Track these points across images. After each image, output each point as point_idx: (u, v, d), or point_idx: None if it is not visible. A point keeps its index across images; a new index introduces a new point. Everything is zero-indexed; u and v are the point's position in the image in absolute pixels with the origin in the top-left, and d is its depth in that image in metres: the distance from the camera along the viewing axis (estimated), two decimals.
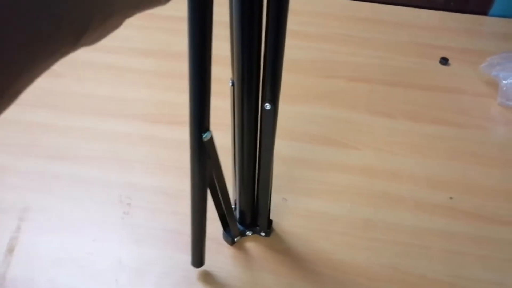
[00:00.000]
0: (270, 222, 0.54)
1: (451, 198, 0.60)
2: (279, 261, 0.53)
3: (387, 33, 0.87)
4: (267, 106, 0.37)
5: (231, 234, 0.52)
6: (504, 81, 0.72)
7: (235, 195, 0.50)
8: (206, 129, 0.34)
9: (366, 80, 0.77)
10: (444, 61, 0.81)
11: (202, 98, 0.32)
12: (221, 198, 0.45)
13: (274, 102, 0.37)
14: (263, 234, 0.54)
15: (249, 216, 0.51)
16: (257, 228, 0.53)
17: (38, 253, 0.53)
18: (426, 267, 0.53)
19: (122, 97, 0.72)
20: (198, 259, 0.48)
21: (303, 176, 0.62)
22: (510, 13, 0.93)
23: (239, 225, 0.52)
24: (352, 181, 0.61)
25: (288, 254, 0.53)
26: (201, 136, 0.34)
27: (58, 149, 0.64)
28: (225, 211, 0.47)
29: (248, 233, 0.54)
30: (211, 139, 0.36)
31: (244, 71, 0.35)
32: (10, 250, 0.53)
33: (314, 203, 0.59)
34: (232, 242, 0.53)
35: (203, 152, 0.36)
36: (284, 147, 0.65)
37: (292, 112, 0.71)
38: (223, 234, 0.53)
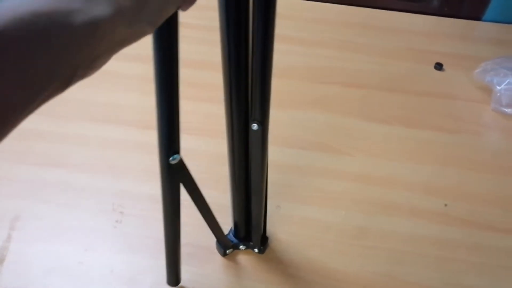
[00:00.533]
0: (265, 239, 0.53)
1: (446, 205, 0.59)
2: (271, 269, 0.52)
3: (382, 39, 0.87)
4: (254, 126, 0.36)
5: (223, 246, 0.51)
6: (497, 87, 0.72)
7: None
8: (175, 152, 0.33)
9: (361, 86, 0.76)
10: (438, 66, 0.81)
11: (169, 120, 0.32)
12: (203, 217, 0.44)
13: (263, 122, 0.36)
14: (256, 250, 0.52)
15: (243, 230, 0.50)
16: (251, 243, 0.52)
17: (29, 263, 0.52)
18: (421, 274, 0.52)
19: (115, 103, 0.71)
20: (173, 278, 0.48)
21: (297, 183, 0.62)
22: (503, 18, 0.93)
23: (233, 238, 0.52)
24: (346, 188, 0.61)
25: (281, 263, 0.53)
26: (168, 160, 0.33)
27: (50, 156, 0.63)
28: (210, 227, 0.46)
29: (242, 247, 0.52)
30: (181, 162, 0.34)
31: (232, 90, 0.34)
32: (1, 260, 0.52)
33: (308, 211, 0.58)
34: (223, 254, 0.52)
35: (172, 175, 0.35)
36: (278, 154, 0.65)
37: (287, 118, 0.70)
38: (216, 245, 0.52)
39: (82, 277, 0.51)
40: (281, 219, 0.57)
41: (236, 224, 0.50)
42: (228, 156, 0.41)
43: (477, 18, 0.95)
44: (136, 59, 0.78)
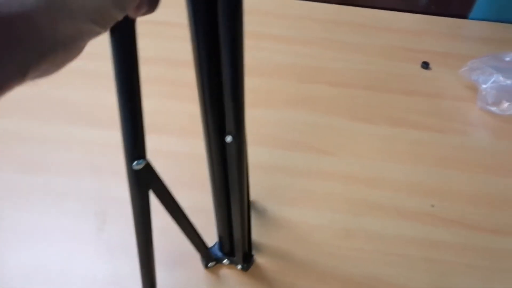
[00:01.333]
0: (249, 257, 0.51)
1: (432, 205, 0.59)
2: (257, 274, 0.51)
3: (369, 37, 0.86)
4: (228, 138, 0.34)
5: (204, 258, 0.50)
6: (483, 86, 0.72)
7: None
8: (139, 157, 0.32)
9: (347, 85, 0.76)
10: (425, 65, 0.81)
11: (131, 123, 0.30)
12: (179, 226, 0.42)
13: (238, 134, 0.34)
14: (239, 267, 0.50)
15: (228, 245, 0.49)
16: (235, 258, 0.50)
17: (9, 270, 0.51)
18: (408, 276, 0.52)
19: (98, 103, 0.70)
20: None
21: (283, 184, 0.61)
22: (489, 17, 0.93)
23: (217, 251, 0.50)
24: (333, 189, 0.60)
25: (267, 268, 0.52)
26: (131, 164, 0.32)
27: (30, 159, 0.62)
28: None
29: (226, 261, 0.51)
30: (147, 168, 0.33)
31: (206, 101, 0.33)
32: None
33: (294, 213, 0.58)
34: (205, 266, 0.50)
35: (137, 182, 0.34)
36: (263, 155, 0.64)
37: (272, 118, 0.69)
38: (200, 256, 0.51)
39: (64, 284, 0.50)
40: (267, 222, 0.57)
41: (220, 238, 0.48)
42: (208, 169, 0.39)
43: (464, 16, 0.95)
44: None
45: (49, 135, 0.65)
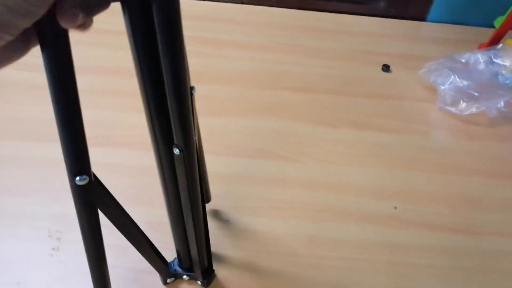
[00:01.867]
0: (209, 272, 0.49)
1: (395, 208, 0.59)
2: None
3: (330, 42, 0.86)
4: (176, 151, 0.33)
5: (162, 274, 0.48)
6: (442, 87, 0.74)
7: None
8: (81, 172, 0.30)
9: (310, 90, 0.76)
10: (386, 68, 0.82)
11: (71, 138, 0.28)
12: (131, 243, 0.40)
13: (186, 146, 0.33)
14: (199, 283, 0.49)
15: (187, 261, 0.47)
16: (194, 274, 0.48)
17: None
18: (372, 282, 0.52)
19: (49, 119, 0.67)
20: None
21: (246, 194, 0.60)
22: (446, 19, 0.96)
23: (177, 267, 0.48)
24: (296, 196, 0.60)
25: (229, 281, 0.51)
26: (74, 180, 0.30)
27: None
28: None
29: (185, 277, 0.49)
30: (91, 184, 0.31)
31: (151, 111, 0.31)
32: None
33: (258, 223, 0.57)
34: (164, 282, 0.49)
35: (81, 198, 0.32)
36: (226, 164, 0.63)
37: (235, 126, 0.68)
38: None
39: None
40: (231, 234, 0.55)
41: (178, 254, 0.47)
42: (161, 183, 0.38)
43: (422, 18, 0.97)
44: (77, 71, 0.74)
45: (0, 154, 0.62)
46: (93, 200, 0.32)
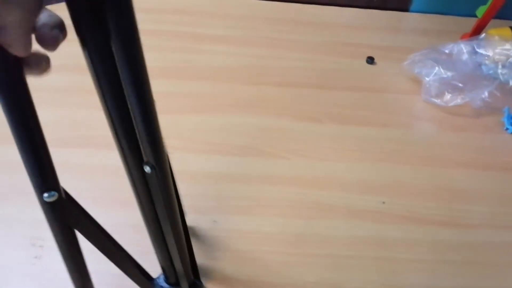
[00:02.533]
0: (197, 285, 0.48)
1: (383, 202, 0.59)
2: None
3: (313, 35, 0.85)
4: (146, 169, 0.31)
5: None
6: (426, 78, 0.73)
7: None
8: (50, 188, 0.28)
9: (293, 84, 0.74)
10: (370, 60, 0.81)
11: (36, 154, 0.27)
12: (115, 263, 0.39)
13: (157, 163, 0.30)
14: None
15: (173, 276, 0.45)
16: None
17: None
18: (362, 279, 0.51)
19: None
20: None
21: (232, 193, 0.58)
22: (429, 9, 0.95)
23: (163, 283, 0.46)
24: (283, 194, 0.59)
25: (219, 283, 0.50)
26: (42, 196, 0.28)
27: None
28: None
29: None
30: (61, 200, 0.29)
31: (117, 130, 0.29)
32: None
33: (245, 222, 0.55)
34: None
35: (53, 215, 0.30)
36: (210, 162, 0.61)
37: (217, 123, 0.67)
38: None
39: None
40: (218, 234, 0.54)
41: (163, 270, 0.45)
42: (136, 202, 0.36)
43: (405, 9, 0.96)
44: (56, 69, 0.71)
45: None
46: (66, 217, 0.31)
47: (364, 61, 0.81)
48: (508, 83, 0.74)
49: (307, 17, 0.89)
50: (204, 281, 0.50)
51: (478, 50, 0.78)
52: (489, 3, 0.80)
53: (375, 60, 0.81)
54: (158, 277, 0.47)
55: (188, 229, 0.51)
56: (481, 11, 0.81)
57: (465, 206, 0.59)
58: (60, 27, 0.22)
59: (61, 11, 0.24)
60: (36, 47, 0.23)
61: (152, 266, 0.43)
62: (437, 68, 0.73)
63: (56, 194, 0.28)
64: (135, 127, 0.28)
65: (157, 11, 0.86)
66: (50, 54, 0.24)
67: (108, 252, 0.36)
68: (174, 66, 0.75)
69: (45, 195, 0.27)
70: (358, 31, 0.87)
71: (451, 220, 0.57)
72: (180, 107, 0.68)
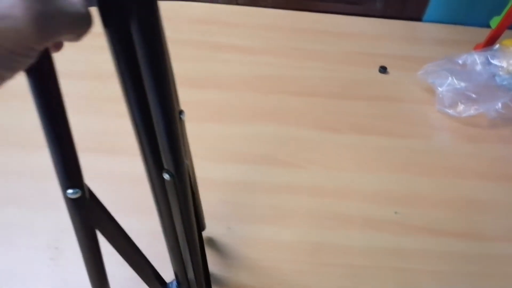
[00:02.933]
0: None
1: (396, 212, 0.59)
2: None
3: (328, 44, 0.86)
4: (165, 176, 0.31)
5: None
6: (439, 89, 0.74)
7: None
8: (74, 185, 0.29)
9: (311, 94, 0.75)
10: (383, 69, 0.82)
11: (63, 150, 0.28)
12: (130, 264, 0.39)
13: (176, 170, 0.31)
14: None
15: (185, 283, 0.45)
16: None
17: None
18: None
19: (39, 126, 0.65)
20: None
21: (249, 201, 0.59)
22: (443, 19, 0.96)
23: None
24: (299, 203, 0.59)
25: None
26: (66, 192, 0.29)
27: None
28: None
29: None
30: (83, 198, 0.30)
31: (141, 136, 0.30)
32: None
33: (261, 230, 0.56)
34: None
35: (75, 212, 0.31)
36: (228, 170, 0.62)
37: (236, 132, 0.68)
38: None
39: None
40: (234, 241, 0.55)
41: (176, 276, 0.46)
42: (155, 206, 0.37)
43: (419, 18, 0.97)
44: (71, 76, 0.72)
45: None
46: (88, 215, 0.31)
47: (377, 71, 0.81)
48: None
49: (321, 26, 0.90)
50: (220, 280, 0.50)
51: (492, 60, 0.78)
52: (503, 13, 0.80)
53: (389, 70, 0.82)
54: (171, 282, 0.48)
55: (202, 234, 0.52)
56: (495, 21, 0.82)
57: (481, 218, 0.59)
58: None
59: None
60: None
61: (166, 270, 0.44)
62: (450, 78, 0.74)
63: (80, 191, 0.29)
64: (157, 135, 0.29)
65: (177, 21, 0.87)
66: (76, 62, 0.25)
67: (125, 253, 0.37)
68: (194, 75, 0.76)
69: (69, 191, 0.29)
70: (373, 41, 0.88)
71: (467, 231, 0.58)
72: (199, 116, 0.69)
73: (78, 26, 0.21)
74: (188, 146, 0.42)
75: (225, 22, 0.89)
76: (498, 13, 0.81)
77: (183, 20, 0.88)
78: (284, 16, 0.91)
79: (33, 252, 0.52)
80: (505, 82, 0.77)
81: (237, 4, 0.94)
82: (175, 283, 0.47)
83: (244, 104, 0.72)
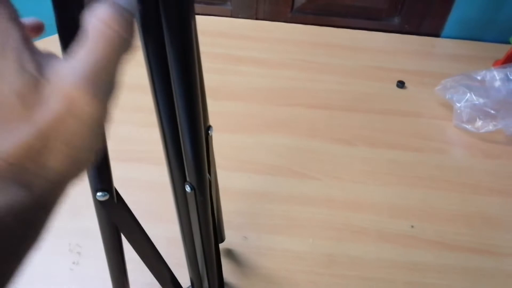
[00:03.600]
0: None
1: (412, 226, 0.59)
2: None
3: (345, 58, 0.87)
4: (187, 188, 0.33)
5: None
6: (457, 104, 0.74)
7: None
8: (104, 188, 0.30)
9: (325, 106, 0.76)
10: (400, 84, 0.82)
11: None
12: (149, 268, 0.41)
13: (198, 184, 0.33)
14: None
15: None
16: None
17: None
18: None
19: None
20: None
21: (264, 211, 0.60)
22: (461, 35, 0.96)
23: None
24: (313, 214, 0.60)
25: None
26: (95, 194, 0.30)
27: None
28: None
29: None
30: (111, 200, 0.31)
31: (168, 147, 0.32)
32: None
33: (275, 240, 0.57)
34: None
35: (102, 213, 0.32)
36: (243, 180, 0.63)
37: (252, 142, 0.69)
38: None
39: None
40: (249, 251, 0.56)
41: (192, 283, 0.47)
42: (176, 215, 0.38)
43: (437, 34, 0.97)
44: None
45: None
46: (113, 218, 0.33)
47: (395, 85, 0.82)
48: None
49: (340, 41, 0.91)
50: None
51: (511, 77, 0.78)
52: None
53: (406, 85, 0.82)
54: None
55: (221, 245, 0.53)
56: None
57: (498, 234, 0.59)
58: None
59: None
60: None
61: (183, 276, 0.45)
62: (469, 94, 0.74)
63: (108, 194, 0.30)
64: (182, 148, 0.31)
65: (200, 34, 0.89)
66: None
67: (146, 256, 0.39)
68: (214, 86, 0.78)
69: (99, 194, 0.30)
70: (391, 56, 0.89)
71: (482, 247, 0.57)
72: (217, 126, 0.70)
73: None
74: (214, 160, 0.43)
75: (245, 36, 0.91)
76: None
77: (203, 33, 0.90)
78: (303, 31, 0.93)
79: (55, 256, 0.53)
80: None
81: (257, 19, 0.96)
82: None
83: (260, 115, 0.74)
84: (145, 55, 0.26)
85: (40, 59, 0.15)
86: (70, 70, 0.15)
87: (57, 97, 0.15)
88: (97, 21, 0.16)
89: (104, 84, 0.16)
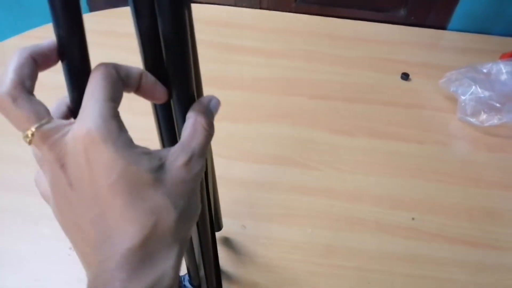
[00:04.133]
0: None
1: (413, 218, 0.58)
2: None
3: (349, 49, 0.86)
4: None
5: None
6: (462, 97, 0.72)
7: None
8: None
9: (327, 97, 0.75)
10: (405, 76, 0.81)
11: None
12: None
13: None
14: None
15: (197, 279, 0.46)
16: None
17: None
18: None
19: None
20: None
21: (263, 200, 0.60)
22: (467, 28, 0.94)
23: (188, 283, 0.48)
24: (313, 204, 0.59)
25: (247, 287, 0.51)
26: None
27: (1, 179, 0.59)
28: None
29: None
30: None
31: (164, 138, 0.32)
32: None
33: (274, 229, 0.56)
34: None
35: None
36: (243, 170, 0.63)
37: (252, 132, 0.68)
38: None
39: None
40: (247, 239, 0.55)
41: (188, 270, 0.47)
42: None
43: (443, 27, 0.96)
44: None
45: (15, 154, 0.62)
46: None
47: (399, 77, 0.81)
48: None
49: (344, 32, 0.90)
50: (228, 285, 0.51)
51: None
52: None
53: (411, 77, 0.81)
54: (183, 276, 0.48)
55: (218, 233, 0.53)
56: None
57: (500, 228, 0.58)
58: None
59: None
60: None
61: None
62: (474, 87, 0.73)
63: None
64: (176, 132, 0.31)
65: (201, 22, 0.89)
66: (94, 60, 0.27)
67: None
68: (211, 75, 0.78)
69: None
70: (395, 47, 0.87)
71: (484, 241, 0.56)
72: (217, 115, 0.70)
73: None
74: (210, 148, 0.43)
75: (248, 25, 0.90)
76: None
77: (206, 22, 0.89)
78: (306, 21, 0.92)
79: (54, 241, 0.53)
80: None
81: (260, 8, 0.95)
82: (187, 277, 0.48)
83: (261, 105, 0.73)
84: (139, 43, 0.26)
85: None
86: (180, 148, 0.25)
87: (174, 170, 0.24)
88: (198, 124, 0.26)
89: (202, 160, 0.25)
